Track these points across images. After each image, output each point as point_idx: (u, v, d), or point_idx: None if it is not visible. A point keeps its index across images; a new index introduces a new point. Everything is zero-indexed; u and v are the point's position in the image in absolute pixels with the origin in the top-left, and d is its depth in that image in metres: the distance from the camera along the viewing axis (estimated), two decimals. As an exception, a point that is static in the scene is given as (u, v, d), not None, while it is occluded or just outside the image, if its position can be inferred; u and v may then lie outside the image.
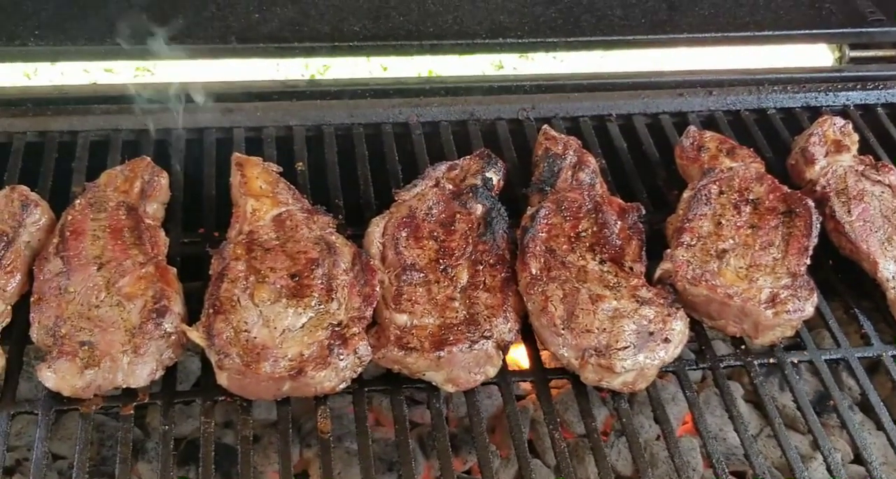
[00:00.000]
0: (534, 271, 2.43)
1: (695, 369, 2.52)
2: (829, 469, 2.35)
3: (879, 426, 2.52)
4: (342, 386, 2.25)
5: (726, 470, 2.30)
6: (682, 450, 2.35)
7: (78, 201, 2.52)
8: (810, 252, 2.57)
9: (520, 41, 3.30)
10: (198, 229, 2.69)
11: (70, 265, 2.34)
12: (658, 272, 2.53)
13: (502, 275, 2.46)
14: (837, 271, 2.77)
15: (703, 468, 2.76)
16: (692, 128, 2.96)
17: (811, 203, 2.66)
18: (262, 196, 2.54)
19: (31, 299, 2.32)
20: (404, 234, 2.51)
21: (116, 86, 3.17)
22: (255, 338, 2.22)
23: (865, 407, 2.86)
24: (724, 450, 2.76)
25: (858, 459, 2.67)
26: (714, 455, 2.32)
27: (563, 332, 2.33)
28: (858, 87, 3.34)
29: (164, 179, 2.65)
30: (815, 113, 3.23)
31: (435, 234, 2.54)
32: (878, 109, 3.30)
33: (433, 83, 3.23)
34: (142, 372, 2.21)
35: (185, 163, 2.84)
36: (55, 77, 4.01)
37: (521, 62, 4.35)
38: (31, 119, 2.91)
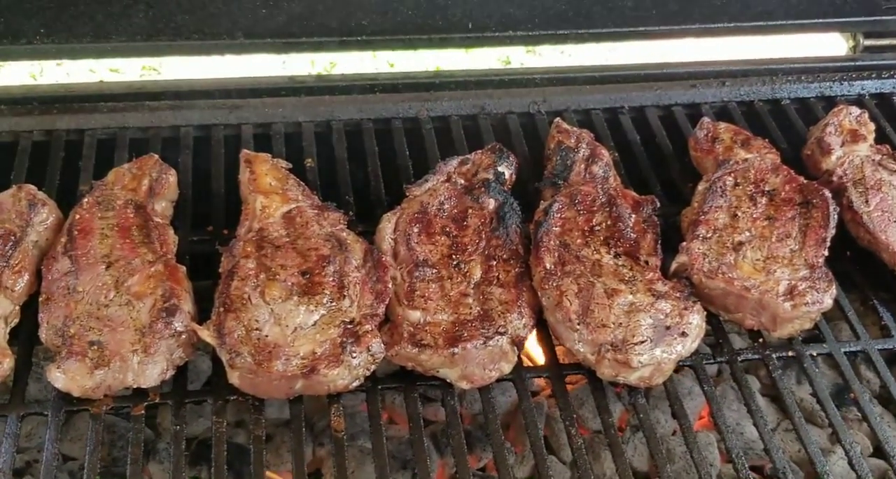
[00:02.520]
0: (548, 266, 2.40)
1: (712, 363, 2.49)
2: (850, 462, 2.32)
3: (900, 419, 2.50)
4: (355, 384, 2.23)
5: (745, 465, 2.27)
6: (699, 445, 2.32)
7: (86, 200, 2.49)
8: (828, 243, 2.54)
9: (529, 34, 3.26)
10: (207, 227, 2.67)
11: (78, 265, 2.31)
12: (674, 266, 2.50)
13: (516, 270, 2.43)
14: (855, 261, 2.74)
15: (721, 462, 2.73)
16: (706, 119, 2.93)
17: (828, 194, 2.63)
18: (271, 193, 2.52)
19: (40, 298, 2.29)
20: (416, 230, 2.48)
21: (123, 83, 3.15)
22: (266, 336, 2.19)
23: (884, 400, 2.83)
24: (741, 444, 2.72)
25: (878, 451, 2.64)
26: (733, 450, 2.29)
27: (578, 327, 2.30)
28: (873, 75, 3.31)
29: (172, 177, 2.62)
30: (829, 103, 3.19)
31: (447, 229, 2.51)
32: (894, 97, 3.27)
33: (443, 77, 3.20)
34: (152, 372, 2.19)
35: (194, 160, 2.81)
36: (61, 77, 3.99)
37: (529, 56, 4.32)
38: (37, 118, 2.88)
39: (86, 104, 2.93)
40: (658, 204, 2.62)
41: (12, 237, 2.37)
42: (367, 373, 2.24)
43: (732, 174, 2.70)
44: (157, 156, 2.67)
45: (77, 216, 2.43)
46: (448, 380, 2.29)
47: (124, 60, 3.96)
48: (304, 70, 4.26)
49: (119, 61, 4.29)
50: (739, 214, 2.60)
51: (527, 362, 2.56)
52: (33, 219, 2.45)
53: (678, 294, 2.38)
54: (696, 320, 2.35)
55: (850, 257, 2.74)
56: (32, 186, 2.54)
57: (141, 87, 3.03)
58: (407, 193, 2.61)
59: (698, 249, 2.49)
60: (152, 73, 4.50)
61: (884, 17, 3.41)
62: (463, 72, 3.27)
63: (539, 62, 4.24)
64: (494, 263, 2.44)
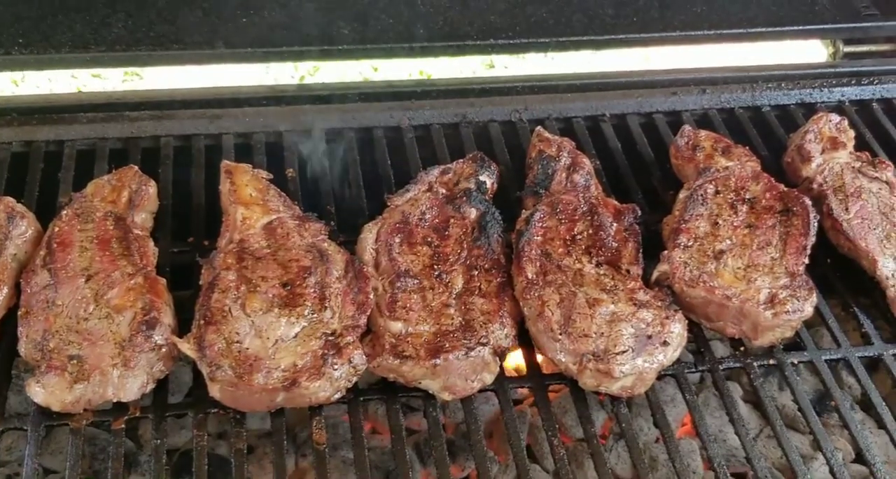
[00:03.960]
0: (530, 276, 2.40)
1: (694, 372, 2.49)
2: (831, 469, 2.33)
3: (880, 425, 2.50)
4: (337, 396, 2.22)
5: (727, 473, 2.28)
6: (682, 453, 2.33)
7: (65, 212, 2.47)
8: (808, 251, 2.55)
9: (511, 42, 3.26)
10: (187, 238, 2.65)
11: (58, 278, 2.30)
12: (655, 274, 2.50)
13: (498, 280, 2.43)
14: (836, 268, 2.75)
15: (704, 469, 2.74)
16: (687, 127, 2.94)
17: (808, 201, 2.63)
18: (252, 204, 2.50)
19: (19, 312, 2.28)
20: (398, 240, 2.48)
21: (102, 93, 3.13)
22: (247, 349, 2.18)
23: (865, 406, 2.84)
24: (723, 452, 2.73)
25: (860, 458, 2.65)
26: (715, 458, 2.29)
27: (560, 337, 2.30)
28: (853, 82, 3.31)
29: (152, 188, 2.61)
30: (810, 110, 3.20)
31: (429, 239, 2.50)
32: (874, 104, 3.28)
33: (424, 86, 3.19)
34: (132, 386, 2.17)
35: (174, 171, 2.80)
36: (42, 83, 3.97)
37: (512, 62, 4.31)
38: (16, 129, 2.86)
39: (65, 115, 2.90)
40: (639, 212, 2.62)
41: (-9, 250, 2.36)
42: (349, 385, 2.23)
43: (713, 182, 2.71)
44: (136, 167, 2.66)
45: (56, 229, 2.42)
46: (430, 391, 2.29)
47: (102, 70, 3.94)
48: (286, 75, 4.25)
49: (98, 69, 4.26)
50: (720, 222, 2.60)
51: (509, 372, 2.55)
52: (12, 232, 2.43)
53: (660, 303, 2.38)
54: (677, 329, 2.35)
55: (831, 264, 2.75)
56: (11, 199, 2.52)
57: (121, 97, 3.01)
58: (388, 203, 2.60)
59: (679, 257, 2.50)
60: (134, 78, 4.47)
61: (863, 24, 3.42)
62: (444, 80, 3.26)
63: (522, 66, 4.23)
64: (476, 273, 2.44)
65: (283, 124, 2.98)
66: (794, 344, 2.56)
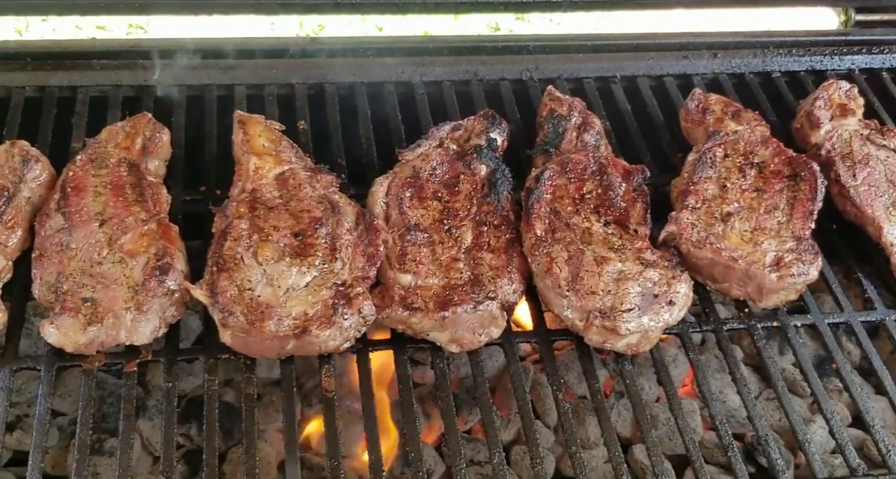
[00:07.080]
0: (539, 233, 2.42)
1: (698, 332, 2.52)
2: (830, 432, 2.36)
3: (879, 390, 2.53)
4: (346, 345, 2.25)
5: (729, 432, 2.31)
6: (683, 412, 2.36)
7: (79, 157, 2.49)
8: (815, 216, 2.56)
9: (522, 1, 3.25)
10: (199, 187, 2.67)
11: (71, 221, 2.31)
12: (662, 235, 2.52)
13: (507, 236, 2.45)
14: (840, 234, 2.77)
15: (703, 429, 2.77)
16: (697, 90, 2.95)
17: (816, 167, 2.65)
18: (264, 154, 2.52)
19: (33, 255, 2.30)
20: (408, 194, 2.49)
21: (116, 40, 3.12)
22: (259, 296, 2.20)
23: (865, 371, 2.87)
24: (724, 412, 2.76)
25: (858, 421, 2.68)
26: (717, 418, 2.32)
27: (567, 293, 2.32)
28: (864, 51, 3.32)
29: (165, 136, 2.62)
30: (820, 77, 3.20)
31: (439, 194, 2.52)
32: (883, 73, 3.29)
33: (436, 42, 3.19)
34: (145, 329, 2.20)
35: (187, 120, 2.81)
36: (47, 34, 3.94)
37: (518, 23, 4.29)
38: (29, 74, 2.86)
39: (79, 61, 2.90)
40: (648, 173, 2.64)
41: (6, 193, 2.37)
42: (358, 335, 2.26)
43: (722, 146, 2.72)
44: (150, 114, 2.67)
45: (70, 173, 2.43)
46: (438, 343, 2.32)
47: (111, 17, 3.91)
48: (292, 32, 4.23)
49: (106, 18, 4.24)
50: (728, 185, 2.62)
51: (515, 328, 2.58)
52: (27, 175, 2.44)
53: (666, 263, 2.41)
54: (683, 289, 2.37)
55: (836, 230, 2.77)
56: (26, 143, 2.52)
57: (134, 45, 3.00)
58: (399, 158, 2.61)
59: (687, 219, 2.52)
60: (139, 31, 4.45)
61: (876, -7, 3.42)
62: (456, 37, 3.26)
63: (528, 29, 4.21)
64: (485, 228, 2.46)
65: (295, 77, 2.98)
66: (797, 308, 2.59)
